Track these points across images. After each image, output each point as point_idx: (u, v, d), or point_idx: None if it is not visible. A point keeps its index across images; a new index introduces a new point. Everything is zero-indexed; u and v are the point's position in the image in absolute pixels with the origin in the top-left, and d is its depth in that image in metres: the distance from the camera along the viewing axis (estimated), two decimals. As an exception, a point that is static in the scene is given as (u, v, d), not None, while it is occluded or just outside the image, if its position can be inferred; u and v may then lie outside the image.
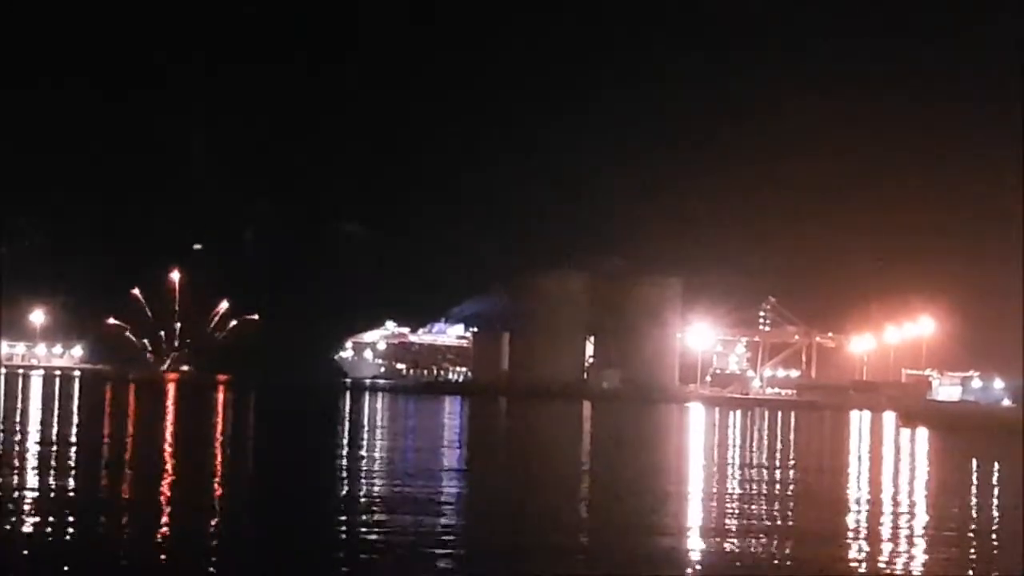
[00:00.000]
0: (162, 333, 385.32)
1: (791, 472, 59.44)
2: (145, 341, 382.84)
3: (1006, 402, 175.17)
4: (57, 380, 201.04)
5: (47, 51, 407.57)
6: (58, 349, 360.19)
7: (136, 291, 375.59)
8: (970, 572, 28.66)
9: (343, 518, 33.88)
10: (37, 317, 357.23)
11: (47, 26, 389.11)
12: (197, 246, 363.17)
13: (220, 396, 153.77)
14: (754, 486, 49.51)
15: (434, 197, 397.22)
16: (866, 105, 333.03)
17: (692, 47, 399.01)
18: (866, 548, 31.81)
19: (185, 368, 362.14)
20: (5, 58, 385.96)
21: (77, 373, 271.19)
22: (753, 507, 40.56)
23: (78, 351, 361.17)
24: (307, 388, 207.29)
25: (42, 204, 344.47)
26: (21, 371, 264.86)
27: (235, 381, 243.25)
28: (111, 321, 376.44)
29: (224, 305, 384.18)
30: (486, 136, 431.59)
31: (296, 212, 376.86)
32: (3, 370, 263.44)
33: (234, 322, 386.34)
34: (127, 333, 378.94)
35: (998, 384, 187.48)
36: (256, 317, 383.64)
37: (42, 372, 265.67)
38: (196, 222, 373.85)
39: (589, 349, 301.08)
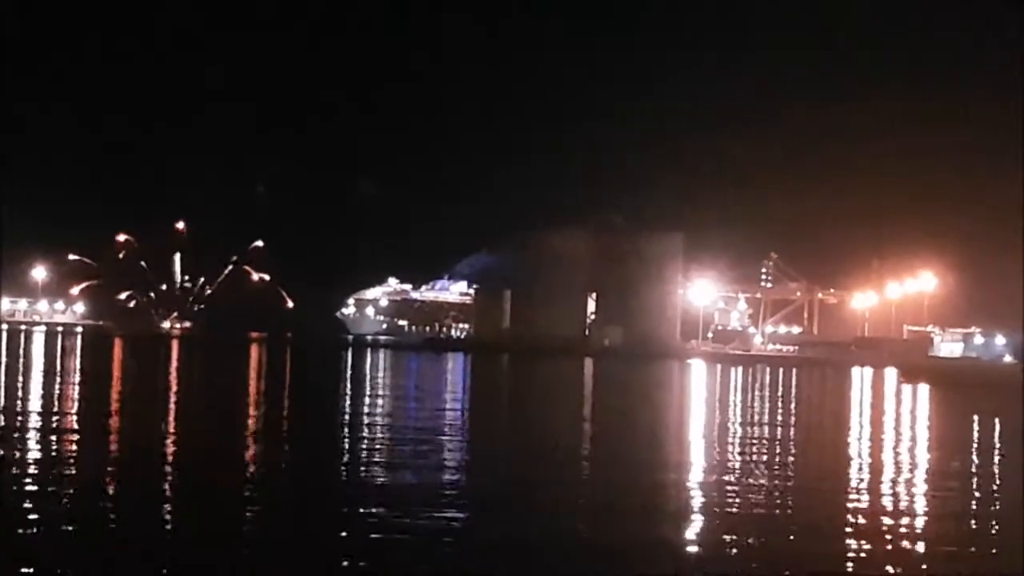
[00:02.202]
0: (164, 288, 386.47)
1: (791, 427, 59.57)
2: (152, 296, 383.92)
3: (1007, 358, 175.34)
4: (59, 336, 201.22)
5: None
6: (60, 305, 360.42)
7: (123, 237, 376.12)
8: (972, 523, 28.59)
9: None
10: (39, 273, 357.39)
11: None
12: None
13: (231, 353, 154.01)
14: (755, 442, 49.48)
15: (437, 155, 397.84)
16: (866, 57, 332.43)
17: (691, 6, 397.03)
18: (866, 500, 31.77)
19: (187, 324, 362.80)
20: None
21: (79, 330, 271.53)
22: (754, 468, 40.51)
23: (80, 307, 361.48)
24: (314, 345, 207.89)
25: (44, 156, 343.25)
26: (23, 327, 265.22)
27: (239, 338, 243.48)
28: (124, 296, 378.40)
29: (231, 266, 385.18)
30: (490, 94, 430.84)
31: (303, 168, 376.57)
32: (5, 326, 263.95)
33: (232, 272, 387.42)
34: (129, 292, 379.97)
35: (999, 340, 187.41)
36: (267, 277, 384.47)
37: (44, 328, 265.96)
38: (205, 176, 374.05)
39: (591, 306, 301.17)
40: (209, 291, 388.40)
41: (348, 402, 66.93)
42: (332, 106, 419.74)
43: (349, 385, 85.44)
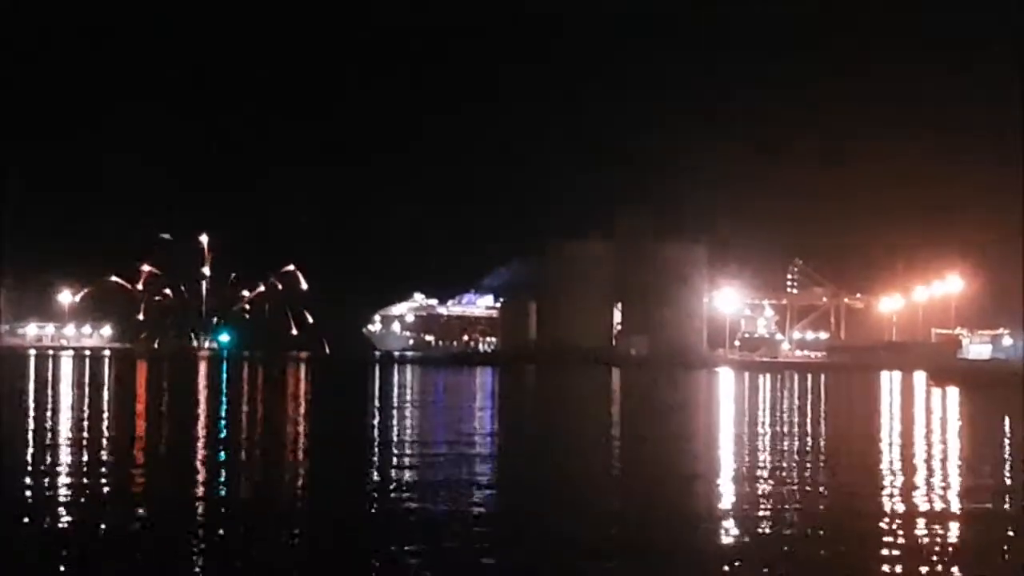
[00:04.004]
0: (192, 309, 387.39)
1: (823, 432, 59.34)
2: (184, 317, 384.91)
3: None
4: (87, 360, 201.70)
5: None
6: (87, 329, 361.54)
7: (147, 268, 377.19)
8: (1008, 530, 28.37)
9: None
10: (65, 298, 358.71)
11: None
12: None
13: (265, 371, 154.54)
14: (789, 448, 49.27)
15: (461, 169, 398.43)
16: (891, 62, 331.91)
17: (718, 13, 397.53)
18: (900, 504, 31.57)
19: (214, 345, 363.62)
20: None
21: (107, 353, 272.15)
22: (788, 473, 40.29)
23: (107, 331, 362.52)
24: (345, 362, 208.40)
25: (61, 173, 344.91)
26: (51, 352, 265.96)
27: (269, 356, 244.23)
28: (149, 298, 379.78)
29: (261, 288, 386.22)
30: (513, 107, 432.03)
31: (328, 186, 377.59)
32: (33, 351, 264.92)
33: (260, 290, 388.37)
34: (157, 308, 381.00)
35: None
36: (304, 286, 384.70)
37: (72, 352, 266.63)
38: (226, 192, 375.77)
39: (617, 316, 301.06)
40: (243, 311, 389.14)
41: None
42: (358, 124, 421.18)
43: (398, 411, 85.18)
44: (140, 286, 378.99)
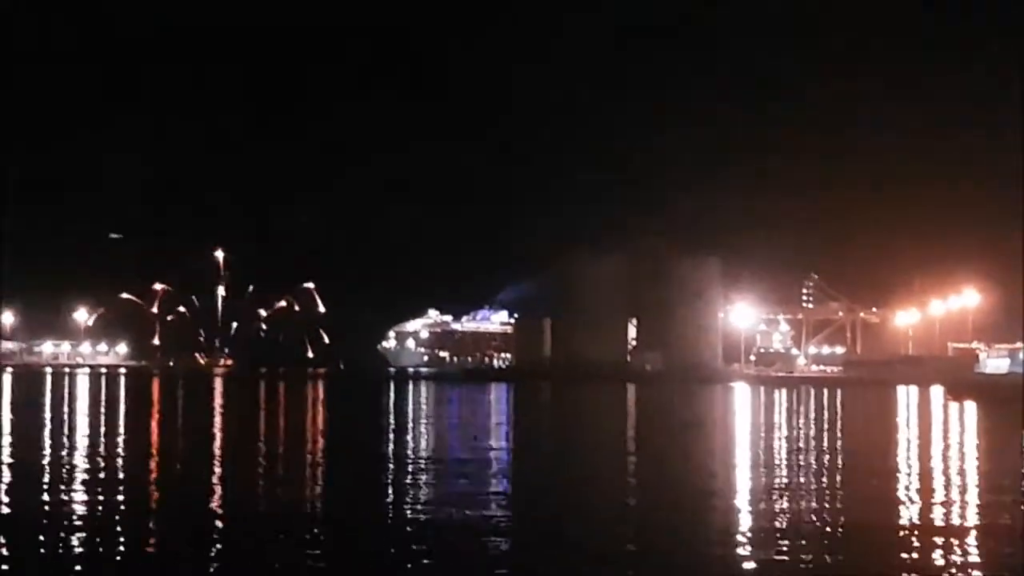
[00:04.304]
0: (207, 327, 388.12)
1: (842, 449, 59.04)
2: (199, 334, 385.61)
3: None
4: (103, 378, 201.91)
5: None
6: (102, 347, 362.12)
7: (160, 286, 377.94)
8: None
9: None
10: (81, 316, 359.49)
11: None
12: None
13: (288, 388, 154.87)
14: (807, 465, 49.00)
15: (475, 185, 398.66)
16: (906, 77, 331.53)
17: (728, 20, 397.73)
18: (917, 520, 31.31)
19: (228, 362, 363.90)
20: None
21: (123, 370, 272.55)
22: (805, 493, 40.01)
23: (122, 348, 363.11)
24: (360, 379, 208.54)
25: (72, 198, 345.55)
26: (67, 369, 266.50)
27: (287, 374, 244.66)
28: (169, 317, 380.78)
29: (279, 304, 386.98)
30: (525, 121, 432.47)
31: (341, 202, 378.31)
32: (49, 369, 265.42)
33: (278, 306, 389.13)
34: (172, 328, 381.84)
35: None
36: (321, 310, 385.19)
37: (88, 370, 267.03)
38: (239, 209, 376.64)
39: (631, 331, 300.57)
40: (259, 328, 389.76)
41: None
42: (375, 140, 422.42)
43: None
44: (155, 304, 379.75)
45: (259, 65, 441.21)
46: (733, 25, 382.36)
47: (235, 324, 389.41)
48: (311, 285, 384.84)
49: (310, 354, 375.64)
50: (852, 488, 39.44)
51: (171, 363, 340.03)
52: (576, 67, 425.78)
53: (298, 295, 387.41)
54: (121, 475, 41.48)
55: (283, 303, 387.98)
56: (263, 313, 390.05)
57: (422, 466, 45.53)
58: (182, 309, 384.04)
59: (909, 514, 32.56)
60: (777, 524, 30.34)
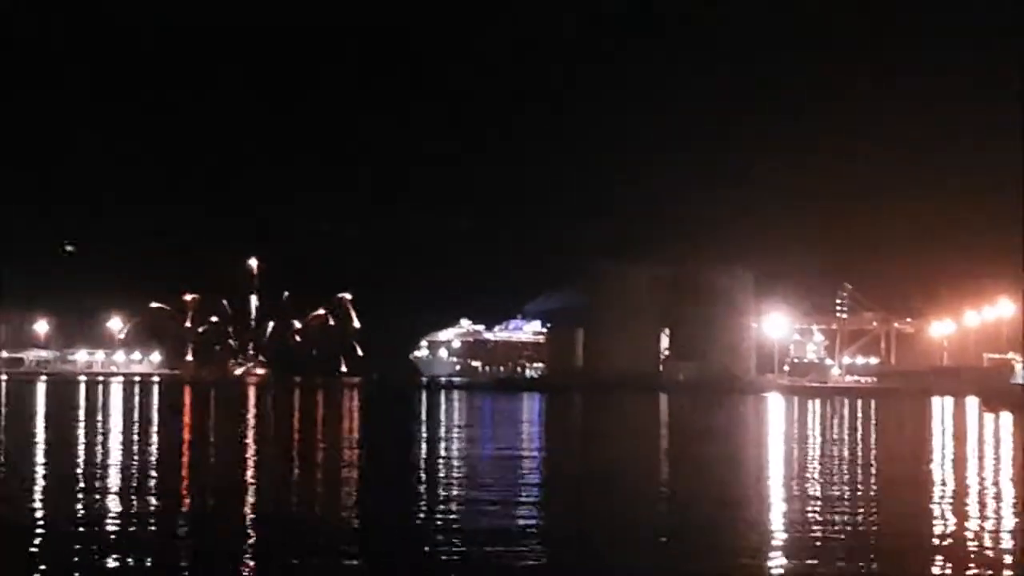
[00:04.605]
0: (240, 335, 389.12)
1: (879, 461, 58.69)
2: (232, 343, 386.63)
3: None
4: (137, 387, 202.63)
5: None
6: (136, 355, 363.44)
7: (190, 297, 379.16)
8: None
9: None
10: (115, 325, 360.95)
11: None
12: (69, 248, 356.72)
13: (325, 397, 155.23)
14: (847, 479, 48.68)
15: (507, 193, 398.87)
16: (941, 85, 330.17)
17: (757, 32, 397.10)
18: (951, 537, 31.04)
19: (260, 371, 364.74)
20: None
21: (156, 379, 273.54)
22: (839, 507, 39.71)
23: (156, 357, 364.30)
24: (394, 388, 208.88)
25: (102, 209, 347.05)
26: (101, 378, 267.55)
27: (321, 383, 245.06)
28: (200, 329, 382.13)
29: (320, 311, 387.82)
30: (555, 132, 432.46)
31: (374, 211, 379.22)
32: (83, 377, 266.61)
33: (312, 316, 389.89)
34: (204, 334, 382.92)
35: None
36: (356, 325, 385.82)
37: (121, 379, 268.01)
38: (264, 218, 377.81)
39: (664, 341, 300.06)
40: (292, 337, 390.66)
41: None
42: (409, 149, 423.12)
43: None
44: (189, 312, 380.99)
45: (298, 70, 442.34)
46: (765, 36, 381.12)
47: (269, 333, 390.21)
48: (347, 296, 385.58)
49: (343, 365, 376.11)
50: (899, 503, 39.11)
51: (204, 372, 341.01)
52: (612, 79, 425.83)
53: (334, 305, 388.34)
54: (175, 484, 41.39)
55: (319, 312, 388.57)
56: (297, 323, 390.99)
57: (475, 485, 45.30)
58: (215, 318, 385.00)
59: (974, 529, 32.29)
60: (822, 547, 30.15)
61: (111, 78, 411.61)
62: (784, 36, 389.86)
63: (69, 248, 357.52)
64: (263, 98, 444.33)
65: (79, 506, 34.41)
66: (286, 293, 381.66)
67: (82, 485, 39.97)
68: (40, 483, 40.98)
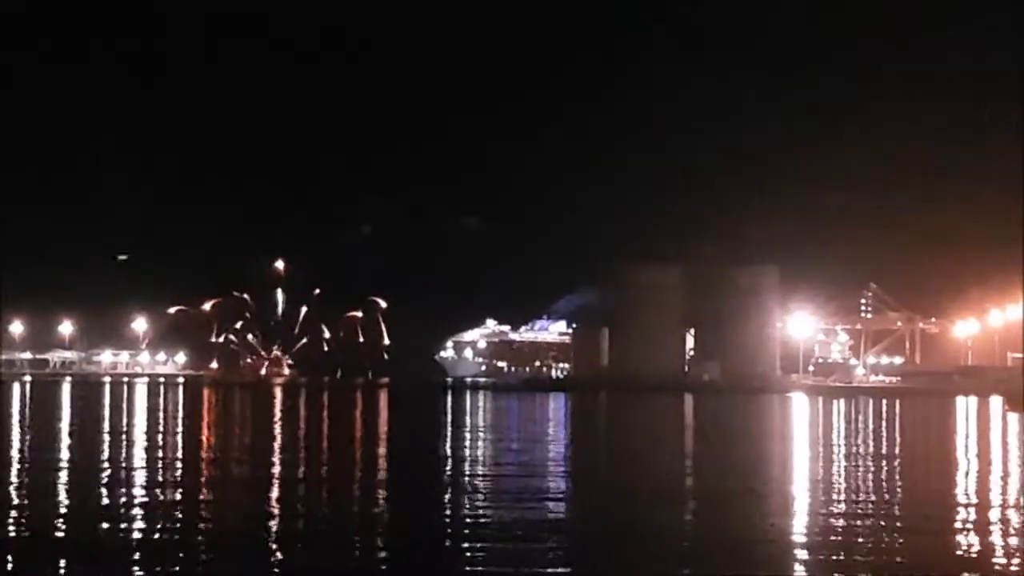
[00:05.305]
0: (265, 336, 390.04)
1: (906, 461, 59.01)
2: (253, 341, 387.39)
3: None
4: (162, 387, 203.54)
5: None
6: (161, 356, 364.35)
7: (210, 304, 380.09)
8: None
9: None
10: (140, 326, 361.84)
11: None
12: (122, 257, 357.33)
13: (349, 397, 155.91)
14: (874, 481, 49.15)
15: (531, 194, 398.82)
16: (964, 85, 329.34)
17: (784, 35, 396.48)
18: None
19: (286, 372, 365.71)
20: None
21: (181, 380, 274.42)
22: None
23: (181, 358, 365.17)
24: (423, 388, 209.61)
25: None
26: (126, 379, 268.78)
27: (350, 384, 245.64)
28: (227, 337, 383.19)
29: (348, 315, 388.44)
30: (582, 132, 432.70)
31: (400, 214, 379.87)
32: (108, 379, 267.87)
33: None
34: (232, 337, 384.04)
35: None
36: (384, 335, 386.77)
37: (146, 379, 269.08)
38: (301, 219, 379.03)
39: (689, 342, 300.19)
40: (321, 339, 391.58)
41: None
42: (433, 152, 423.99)
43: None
44: (215, 313, 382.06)
45: (327, 74, 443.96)
46: (790, 41, 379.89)
47: (296, 334, 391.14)
48: (380, 301, 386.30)
49: (371, 363, 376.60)
50: (920, 504, 39.63)
51: (230, 373, 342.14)
52: (638, 78, 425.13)
53: (365, 307, 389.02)
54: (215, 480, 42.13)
55: (352, 314, 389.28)
56: (324, 325, 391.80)
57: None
58: (240, 321, 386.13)
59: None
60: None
61: (147, 82, 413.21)
62: (813, 31, 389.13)
63: (122, 257, 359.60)
64: (296, 109, 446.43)
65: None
66: (316, 290, 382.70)
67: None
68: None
